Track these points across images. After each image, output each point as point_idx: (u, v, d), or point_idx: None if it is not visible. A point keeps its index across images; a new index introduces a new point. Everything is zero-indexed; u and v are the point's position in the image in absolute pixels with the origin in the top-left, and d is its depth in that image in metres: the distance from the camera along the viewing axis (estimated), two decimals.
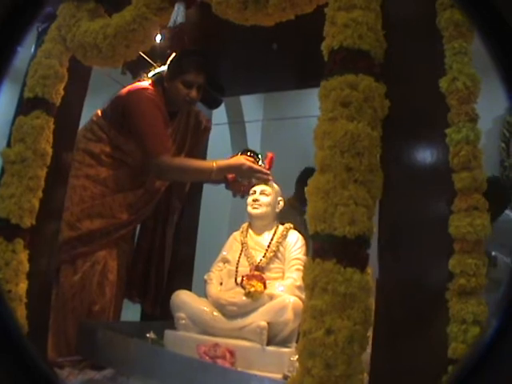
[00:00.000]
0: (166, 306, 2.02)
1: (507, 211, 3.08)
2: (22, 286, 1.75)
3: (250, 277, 1.87)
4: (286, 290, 1.85)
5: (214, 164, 2.28)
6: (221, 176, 2.37)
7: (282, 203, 2.19)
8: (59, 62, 1.95)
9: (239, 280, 1.93)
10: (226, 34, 2.00)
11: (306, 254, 1.98)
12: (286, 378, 1.48)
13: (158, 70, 2.50)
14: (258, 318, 1.75)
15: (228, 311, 1.84)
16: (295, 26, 1.61)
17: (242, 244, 2.09)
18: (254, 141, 5.03)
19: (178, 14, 1.73)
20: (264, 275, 1.91)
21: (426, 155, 1.31)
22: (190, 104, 2.50)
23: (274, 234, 2.09)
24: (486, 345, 0.63)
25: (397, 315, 1.23)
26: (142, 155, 2.38)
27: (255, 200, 2.13)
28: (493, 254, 2.78)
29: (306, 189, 1.26)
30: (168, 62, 2.43)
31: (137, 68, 2.52)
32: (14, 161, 1.83)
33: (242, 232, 2.15)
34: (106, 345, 1.89)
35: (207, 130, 2.81)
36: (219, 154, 2.50)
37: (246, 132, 5.04)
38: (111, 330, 1.96)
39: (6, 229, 1.77)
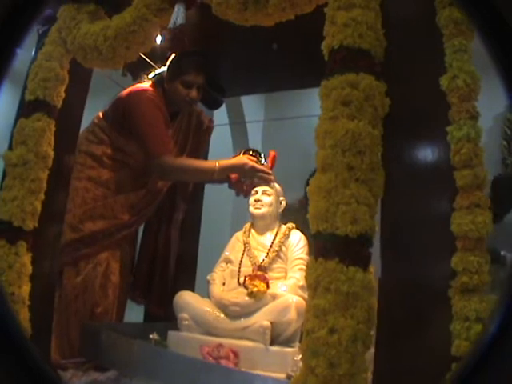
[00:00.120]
0: (171, 307, 2.01)
1: None
2: (25, 289, 1.75)
3: (252, 277, 1.88)
4: (288, 289, 1.85)
5: (217, 164, 2.28)
6: (223, 176, 2.37)
7: (283, 203, 2.19)
8: (60, 64, 1.95)
9: (242, 280, 1.93)
10: (226, 34, 2.00)
11: (309, 253, 1.98)
12: (289, 377, 1.48)
13: (158, 71, 2.50)
14: (261, 318, 1.75)
15: (231, 311, 1.84)
16: (295, 26, 1.61)
17: (245, 244, 2.10)
18: (255, 141, 5.02)
19: (178, 15, 1.73)
20: (267, 275, 1.91)
21: (427, 153, 1.31)
22: (190, 104, 2.50)
23: (276, 234, 2.09)
24: (488, 342, 0.63)
25: (399, 313, 1.23)
26: (143, 156, 2.38)
27: (257, 200, 2.13)
28: (502, 253, 2.78)
29: (307, 188, 1.27)
30: (167, 62, 2.43)
31: (137, 70, 2.52)
32: (15, 163, 1.83)
33: (245, 232, 2.16)
34: (110, 346, 1.89)
35: (209, 129, 2.81)
36: (221, 155, 2.50)
37: (247, 132, 5.04)
38: (114, 331, 1.96)
39: (8, 231, 1.77)
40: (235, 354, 1.69)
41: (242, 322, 1.80)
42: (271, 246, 2.04)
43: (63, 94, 1.95)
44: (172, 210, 2.65)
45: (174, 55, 2.40)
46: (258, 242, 2.10)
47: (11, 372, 0.66)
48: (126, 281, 2.47)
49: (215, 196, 3.22)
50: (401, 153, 1.33)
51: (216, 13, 1.65)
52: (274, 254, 2.01)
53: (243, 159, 2.31)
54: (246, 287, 1.85)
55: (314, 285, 1.17)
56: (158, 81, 2.45)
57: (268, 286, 1.85)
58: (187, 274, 2.68)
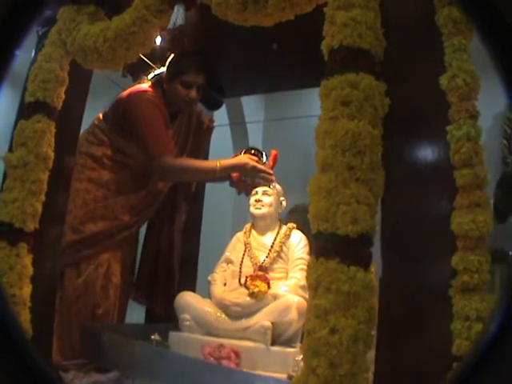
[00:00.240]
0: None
1: None
2: (26, 290, 1.75)
3: (253, 277, 1.88)
4: (289, 289, 1.85)
5: (218, 164, 2.28)
6: (224, 175, 2.37)
7: (284, 203, 2.19)
8: (60, 65, 1.95)
9: (243, 280, 1.93)
10: (225, 34, 2.00)
11: (310, 253, 1.98)
12: (290, 377, 1.48)
13: (158, 71, 2.50)
14: (262, 319, 1.75)
15: (232, 312, 1.84)
16: (295, 26, 1.61)
17: (246, 244, 2.10)
18: (255, 141, 5.02)
19: (177, 16, 1.73)
20: (268, 275, 1.91)
21: (427, 153, 1.31)
22: (190, 104, 2.50)
23: (277, 234, 2.09)
24: (488, 342, 0.63)
25: (400, 313, 1.23)
26: (143, 157, 2.38)
27: (258, 200, 2.13)
28: (510, 253, 2.78)
29: (307, 189, 1.27)
30: (167, 63, 2.43)
31: (137, 71, 2.52)
32: (16, 165, 1.83)
33: (245, 232, 2.16)
34: (111, 347, 1.89)
35: (209, 129, 2.80)
36: (221, 156, 2.49)
37: (247, 133, 5.04)
38: (115, 332, 1.96)
39: (9, 233, 1.77)
40: (236, 354, 1.69)
41: (243, 323, 1.80)
42: (272, 247, 2.04)
43: (63, 96, 1.96)
44: (174, 210, 2.65)
45: (173, 55, 2.40)
46: (259, 242, 2.10)
47: (11, 372, 0.66)
48: (127, 282, 2.47)
49: (216, 197, 3.22)
50: (401, 152, 1.33)
51: (215, 13, 1.65)
52: (274, 254, 2.01)
53: (244, 159, 2.30)
54: (247, 287, 1.85)
55: (314, 285, 1.17)
56: (158, 81, 2.45)
57: (269, 287, 1.85)
58: (188, 274, 2.68)
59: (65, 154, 2.04)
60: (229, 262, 2.10)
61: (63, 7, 1.99)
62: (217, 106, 2.92)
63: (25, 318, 1.71)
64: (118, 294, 2.34)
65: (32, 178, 1.82)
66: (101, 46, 1.82)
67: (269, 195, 2.14)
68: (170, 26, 1.74)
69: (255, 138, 5.14)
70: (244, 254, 2.06)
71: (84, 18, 1.94)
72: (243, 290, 1.89)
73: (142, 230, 2.66)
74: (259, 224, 2.14)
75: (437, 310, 1.20)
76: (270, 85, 2.88)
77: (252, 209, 2.14)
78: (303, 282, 1.79)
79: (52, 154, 1.89)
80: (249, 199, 2.20)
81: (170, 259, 2.59)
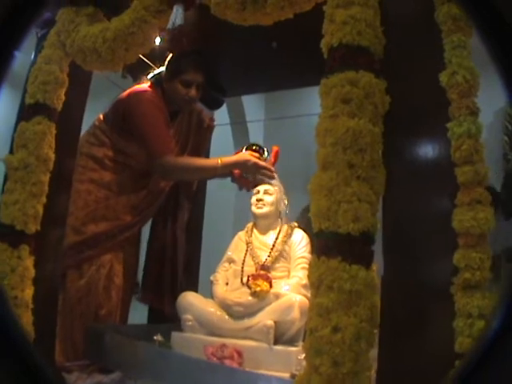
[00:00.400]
0: None
1: None
2: (28, 292, 1.75)
3: (255, 276, 1.87)
4: (291, 288, 1.85)
5: (219, 161, 2.28)
6: (226, 173, 2.37)
7: (285, 202, 2.19)
8: (59, 67, 1.95)
9: (245, 280, 1.93)
10: (225, 34, 2.00)
11: (312, 252, 1.98)
12: (293, 376, 1.48)
13: (157, 71, 2.50)
14: (265, 318, 1.75)
15: (234, 311, 1.84)
16: (294, 25, 1.61)
17: (247, 244, 2.10)
18: (256, 140, 4.93)
19: (176, 16, 1.73)
20: (270, 274, 1.91)
21: (427, 150, 1.31)
22: (189, 103, 2.50)
23: (278, 233, 2.09)
24: (490, 339, 0.63)
25: (402, 311, 1.23)
26: (145, 157, 2.38)
27: (259, 200, 2.13)
28: None
29: (308, 187, 1.26)
30: (166, 62, 2.43)
31: (137, 71, 2.52)
32: (16, 167, 1.83)
33: (247, 232, 2.16)
34: (114, 348, 1.89)
35: (210, 128, 2.81)
36: (222, 155, 2.49)
37: (248, 132, 5.03)
38: (118, 333, 1.97)
39: (10, 235, 1.77)
40: (239, 353, 1.69)
41: (246, 322, 1.80)
42: (274, 246, 2.04)
43: (63, 97, 1.95)
44: (177, 209, 2.65)
45: (171, 55, 2.40)
46: (261, 241, 2.10)
47: (11, 373, 0.66)
48: (130, 282, 2.47)
49: (217, 197, 3.22)
50: (401, 150, 1.33)
51: (214, 13, 1.64)
52: (276, 253, 2.01)
53: (245, 156, 2.30)
54: (249, 287, 1.85)
55: (316, 283, 1.17)
56: (157, 81, 2.45)
57: (271, 286, 1.85)
58: (190, 274, 2.68)
59: (65, 155, 2.04)
60: (231, 261, 2.10)
61: (62, 9, 1.99)
62: (217, 106, 2.93)
63: (27, 320, 1.71)
64: (121, 294, 2.34)
65: (33, 180, 1.82)
66: (100, 47, 1.82)
67: (270, 194, 2.14)
68: (169, 26, 1.74)
69: (256, 137, 5.13)
70: (246, 254, 2.06)
71: (83, 19, 1.94)
72: (245, 289, 1.89)
73: (146, 231, 2.67)
74: (261, 223, 2.14)
75: (439, 307, 1.20)
76: (270, 84, 2.88)
77: (254, 208, 2.14)
78: (305, 281, 1.79)
79: (53, 156, 1.89)
80: (250, 198, 2.20)
81: (176, 259, 2.58)
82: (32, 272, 1.78)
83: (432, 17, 1.29)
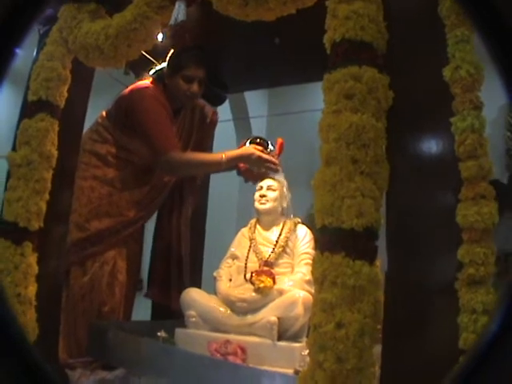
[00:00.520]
0: None
1: None
2: (32, 289, 1.75)
3: (259, 272, 1.87)
4: (295, 284, 1.85)
5: (223, 156, 2.27)
6: (231, 166, 2.37)
7: (289, 198, 2.19)
8: (62, 64, 1.95)
9: (248, 276, 1.92)
10: (227, 30, 1.99)
11: (315, 247, 1.97)
12: (297, 372, 1.47)
13: (158, 67, 2.49)
14: (268, 314, 1.75)
15: (238, 308, 1.84)
16: (296, 20, 1.60)
17: (251, 240, 2.09)
18: None
19: (178, 12, 1.73)
20: (273, 270, 1.91)
21: (431, 145, 1.30)
22: (191, 99, 2.49)
23: (282, 229, 2.09)
24: (490, 338, 0.63)
25: (406, 307, 1.22)
26: (148, 153, 2.38)
27: (262, 195, 2.13)
28: None
29: (312, 182, 1.26)
30: (167, 58, 2.43)
31: (140, 68, 2.52)
32: (19, 164, 1.84)
33: (250, 228, 2.15)
34: (117, 345, 1.90)
35: (213, 123, 2.79)
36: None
37: (251, 128, 5.03)
38: (122, 329, 1.97)
39: (14, 232, 1.78)
40: (243, 350, 1.69)
41: (249, 318, 1.80)
42: (277, 241, 2.03)
43: (66, 94, 1.96)
44: (181, 204, 2.65)
45: (173, 51, 2.39)
46: (264, 237, 2.09)
47: (11, 373, 0.66)
48: (133, 279, 2.47)
49: (220, 193, 3.22)
50: (405, 145, 1.32)
51: (217, 9, 1.64)
52: (280, 249, 2.01)
53: (249, 149, 2.30)
54: (252, 283, 1.85)
55: (320, 279, 1.17)
56: (159, 77, 2.45)
57: (274, 282, 1.84)
58: (194, 270, 2.68)
59: (68, 152, 2.04)
60: (234, 257, 2.10)
61: (64, 5, 1.99)
62: (220, 102, 2.92)
63: (30, 316, 1.71)
64: (124, 291, 2.35)
65: (36, 177, 1.82)
66: (102, 44, 1.82)
67: (273, 190, 2.14)
68: (172, 22, 1.74)
69: (259, 133, 5.07)
70: (249, 250, 2.06)
71: (85, 15, 1.94)
72: (249, 285, 1.88)
73: (150, 228, 2.67)
74: (264, 219, 2.14)
75: (443, 303, 1.19)
76: (273, 79, 2.88)
77: (257, 204, 2.14)
78: (309, 277, 1.78)
79: (55, 153, 1.89)
80: (253, 194, 2.19)
81: (181, 254, 2.58)
82: (35, 269, 1.78)
83: (435, 11, 1.28)
